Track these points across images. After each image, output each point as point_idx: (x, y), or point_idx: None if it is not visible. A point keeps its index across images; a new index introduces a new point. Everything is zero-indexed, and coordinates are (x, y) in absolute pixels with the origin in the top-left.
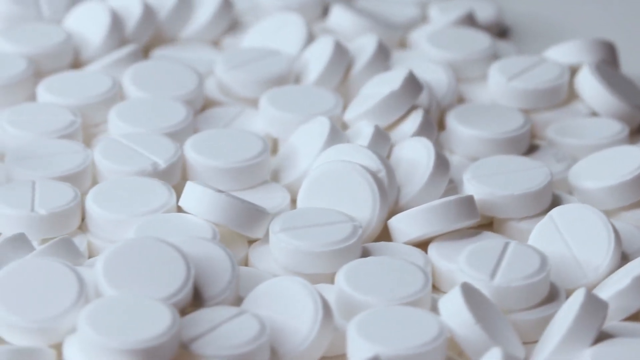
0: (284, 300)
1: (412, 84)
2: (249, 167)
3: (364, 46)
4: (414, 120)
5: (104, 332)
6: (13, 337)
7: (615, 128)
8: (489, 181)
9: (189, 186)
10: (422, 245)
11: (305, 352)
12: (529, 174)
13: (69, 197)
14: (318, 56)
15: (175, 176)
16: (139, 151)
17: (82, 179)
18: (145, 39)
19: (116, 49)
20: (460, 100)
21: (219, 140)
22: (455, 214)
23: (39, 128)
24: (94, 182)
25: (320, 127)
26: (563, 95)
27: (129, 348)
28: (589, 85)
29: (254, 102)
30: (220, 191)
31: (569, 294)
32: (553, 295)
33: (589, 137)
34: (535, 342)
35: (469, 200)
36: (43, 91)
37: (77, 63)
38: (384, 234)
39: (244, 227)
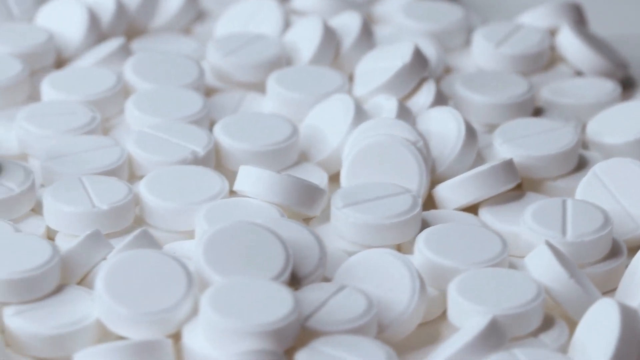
0: (378, 272)
1: (420, 57)
2: (282, 149)
3: (346, 24)
4: (428, 91)
5: (230, 316)
6: (128, 331)
7: (608, 86)
8: (522, 144)
9: (244, 170)
10: (467, 211)
11: (407, 321)
12: (556, 133)
13: (125, 191)
14: (306, 37)
15: (212, 162)
16: (173, 141)
17: (122, 173)
18: (120, 32)
19: (96, 44)
20: (448, 70)
21: (248, 124)
22: (500, 178)
23: (61, 126)
24: (131, 175)
25: (344, 104)
26: (547, 58)
27: (257, 331)
28: (572, 46)
29: (250, 86)
30: (277, 172)
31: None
32: (615, 248)
33: (587, 97)
34: (604, 293)
35: (510, 163)
36: (48, 88)
37: (58, 61)
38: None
39: (304, 206)
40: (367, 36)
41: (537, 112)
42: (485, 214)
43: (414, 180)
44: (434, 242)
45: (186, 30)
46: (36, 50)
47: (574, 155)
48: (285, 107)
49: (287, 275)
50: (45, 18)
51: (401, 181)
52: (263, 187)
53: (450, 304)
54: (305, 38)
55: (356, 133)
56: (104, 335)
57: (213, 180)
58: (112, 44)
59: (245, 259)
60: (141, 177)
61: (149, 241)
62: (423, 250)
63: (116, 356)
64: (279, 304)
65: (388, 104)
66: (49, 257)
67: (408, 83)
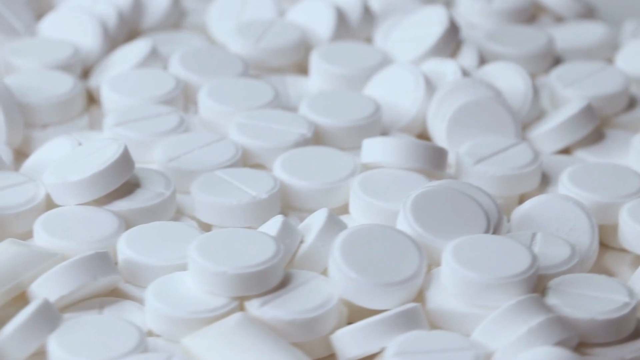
0: (553, 216)
1: (453, 20)
2: (372, 123)
3: (344, 2)
4: (471, 51)
5: (483, 271)
6: (377, 302)
7: (601, 29)
8: (584, 86)
9: (370, 142)
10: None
11: (591, 258)
12: (606, 74)
13: (271, 179)
14: (317, 18)
15: (312, 141)
16: (275, 127)
17: (240, 164)
18: (124, 37)
19: (108, 52)
20: None
21: (332, 103)
22: (587, 121)
23: (157, 129)
24: (243, 164)
25: (408, 71)
26: (531, 9)
27: (513, 281)
28: None
29: (279, 70)
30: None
31: None
32: None
33: (591, 39)
34: None
35: (590, 107)
36: (111, 93)
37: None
38: None
39: (436, 166)
40: (368, 11)
41: (558, 59)
42: (582, 153)
43: (510, 132)
44: (579, 182)
45: (175, 26)
46: (65, 63)
47: (629, 91)
48: (333, 82)
49: (492, 229)
50: (51, 30)
51: (499, 135)
52: (396, 154)
53: (623, 230)
54: (315, 18)
55: (440, 96)
56: (340, 312)
57: (340, 156)
58: (141, 46)
59: (452, 219)
60: (254, 166)
61: (337, 220)
62: (572, 190)
63: (378, 329)
64: (520, 255)
65: (449, 67)
66: (276, 248)
67: (449, 46)
